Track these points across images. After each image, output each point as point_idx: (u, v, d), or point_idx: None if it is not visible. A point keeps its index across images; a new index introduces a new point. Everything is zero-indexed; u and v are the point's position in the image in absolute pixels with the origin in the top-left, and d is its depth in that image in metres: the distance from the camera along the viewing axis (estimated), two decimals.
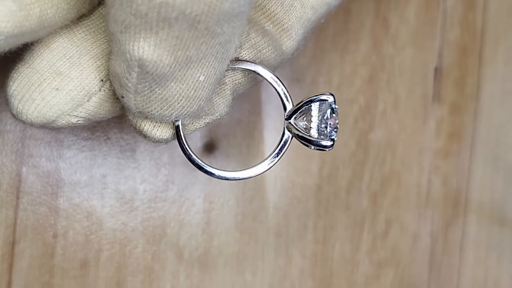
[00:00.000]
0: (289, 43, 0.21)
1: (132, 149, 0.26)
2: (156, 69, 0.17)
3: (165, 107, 0.18)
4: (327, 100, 0.20)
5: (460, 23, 0.31)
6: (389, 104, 0.30)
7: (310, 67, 0.29)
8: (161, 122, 0.20)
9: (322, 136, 0.20)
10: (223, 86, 0.20)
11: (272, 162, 0.20)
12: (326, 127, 0.20)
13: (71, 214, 0.26)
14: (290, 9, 0.21)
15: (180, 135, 0.20)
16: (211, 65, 0.18)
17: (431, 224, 0.31)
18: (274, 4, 0.21)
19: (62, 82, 0.18)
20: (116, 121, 0.26)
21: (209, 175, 0.20)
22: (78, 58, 0.19)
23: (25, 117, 0.19)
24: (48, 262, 0.25)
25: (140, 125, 0.20)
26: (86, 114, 0.19)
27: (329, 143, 0.19)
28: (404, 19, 0.30)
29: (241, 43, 0.20)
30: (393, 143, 0.30)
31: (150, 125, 0.20)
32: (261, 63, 0.20)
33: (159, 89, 0.18)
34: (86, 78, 0.19)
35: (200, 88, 0.18)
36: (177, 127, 0.20)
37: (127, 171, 0.26)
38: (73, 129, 0.25)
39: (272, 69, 0.21)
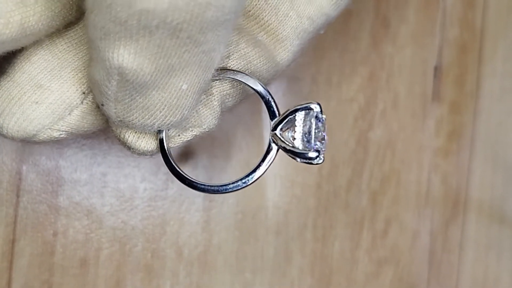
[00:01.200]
0: (284, 54, 0.20)
1: None
2: (137, 78, 0.16)
3: (147, 116, 0.18)
4: (313, 109, 0.18)
5: (459, 21, 0.31)
6: (389, 103, 0.30)
7: (309, 65, 0.29)
8: (145, 133, 0.19)
9: (306, 148, 0.18)
10: (210, 97, 0.20)
11: (253, 177, 0.19)
12: (310, 138, 0.18)
13: (71, 212, 0.26)
14: (285, 19, 0.20)
15: (164, 147, 0.19)
16: (194, 73, 0.17)
17: (430, 222, 0.31)
18: (268, 14, 0.20)
19: (42, 95, 0.18)
20: None
21: (192, 188, 0.19)
22: (59, 70, 0.18)
23: (5, 131, 0.18)
24: (48, 260, 0.25)
25: (123, 136, 0.19)
26: (68, 128, 0.19)
27: (313, 154, 0.18)
28: (404, 18, 0.30)
29: (229, 53, 0.19)
30: (393, 142, 0.30)
31: (134, 136, 0.19)
32: (251, 74, 0.19)
33: (140, 98, 0.17)
34: (67, 91, 0.18)
35: (183, 97, 0.18)
36: (160, 140, 0.19)
37: (127, 170, 0.26)
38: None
39: (265, 81, 0.20)
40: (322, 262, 0.29)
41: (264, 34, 0.20)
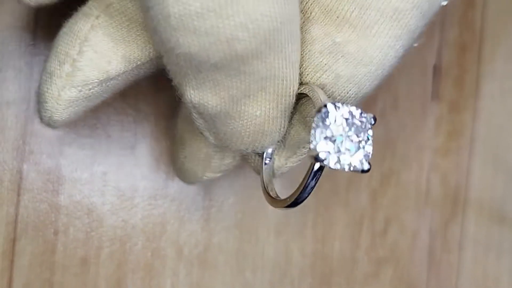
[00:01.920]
0: (378, 40, 0.18)
1: (133, 146, 0.26)
2: (206, 109, 0.17)
3: (238, 142, 0.19)
4: (322, 109, 0.16)
5: (459, 21, 0.31)
6: (388, 102, 0.30)
7: None
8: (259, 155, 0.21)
9: (315, 150, 0.16)
10: (303, 113, 0.19)
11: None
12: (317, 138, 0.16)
13: (71, 211, 0.26)
14: (365, 3, 0.18)
15: (262, 170, 0.20)
16: (264, 99, 0.17)
17: (430, 222, 0.31)
18: (346, 3, 0.18)
19: (186, 153, 0.22)
20: (117, 119, 0.26)
21: (290, 207, 0.18)
22: (193, 134, 0.22)
23: (183, 182, 0.25)
24: (49, 259, 0.25)
25: (246, 159, 0.22)
26: (216, 171, 0.22)
27: (323, 155, 0.16)
28: None
29: (301, 69, 0.18)
30: (392, 142, 0.30)
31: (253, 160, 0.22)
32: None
33: (222, 127, 0.18)
34: (200, 146, 0.21)
35: (263, 123, 0.18)
36: (263, 164, 0.20)
37: (127, 169, 0.26)
38: (73, 127, 0.25)
39: (369, 76, 0.19)
40: (322, 262, 0.29)
41: (348, 28, 0.18)
